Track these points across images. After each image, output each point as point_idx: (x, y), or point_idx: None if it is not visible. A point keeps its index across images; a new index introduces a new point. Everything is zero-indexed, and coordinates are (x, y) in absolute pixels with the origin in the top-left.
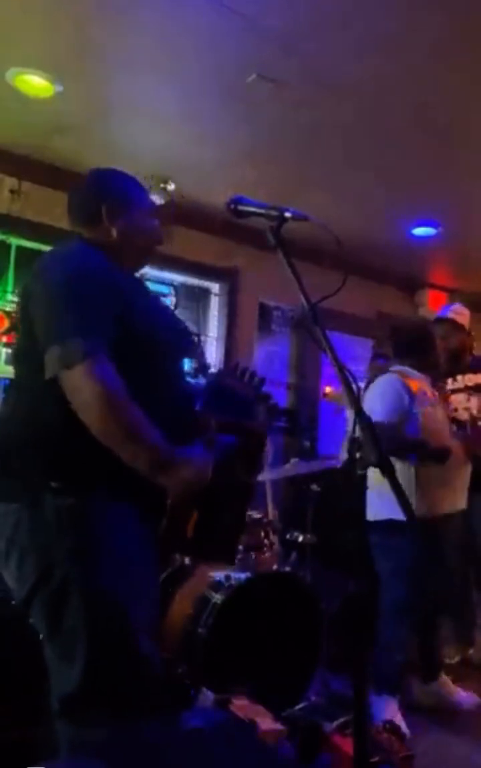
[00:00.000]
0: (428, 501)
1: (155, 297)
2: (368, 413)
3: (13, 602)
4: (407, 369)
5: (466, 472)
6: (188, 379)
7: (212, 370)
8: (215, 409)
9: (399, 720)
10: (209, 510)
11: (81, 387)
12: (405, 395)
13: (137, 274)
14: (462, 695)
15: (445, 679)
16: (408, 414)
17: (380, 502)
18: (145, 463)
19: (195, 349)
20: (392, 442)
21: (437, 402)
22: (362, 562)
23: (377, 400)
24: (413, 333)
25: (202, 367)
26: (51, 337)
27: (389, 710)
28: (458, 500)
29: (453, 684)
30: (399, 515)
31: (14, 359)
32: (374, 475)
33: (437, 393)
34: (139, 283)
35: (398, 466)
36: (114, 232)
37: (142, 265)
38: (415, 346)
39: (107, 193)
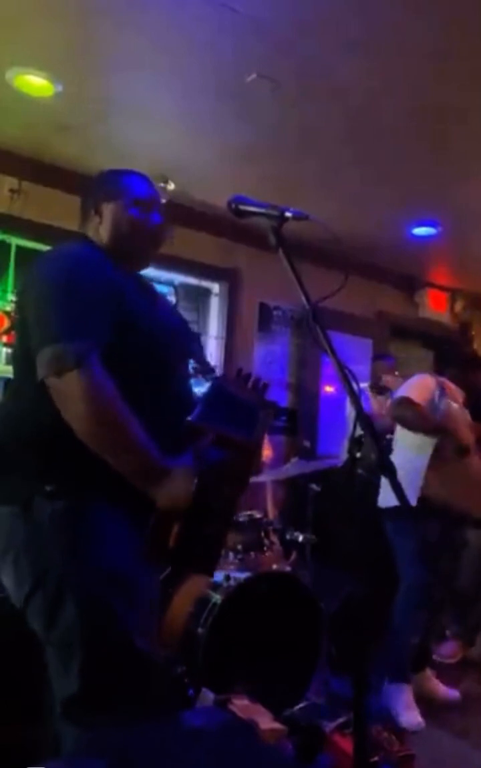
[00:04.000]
0: (447, 491)
1: (158, 297)
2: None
3: (13, 603)
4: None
5: None
6: (190, 380)
7: (215, 373)
8: (214, 417)
9: (414, 708)
10: (191, 522)
11: (72, 394)
12: (436, 390)
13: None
14: (442, 689)
15: (430, 673)
16: (435, 406)
17: (389, 489)
18: (133, 472)
19: (198, 351)
20: (415, 419)
21: (463, 407)
22: (366, 557)
23: (410, 386)
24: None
25: (205, 368)
26: (42, 338)
27: (404, 698)
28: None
29: (437, 679)
30: (411, 500)
31: (12, 359)
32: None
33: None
34: (141, 282)
35: (413, 452)
36: (103, 222)
37: (144, 264)
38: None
39: (99, 188)
